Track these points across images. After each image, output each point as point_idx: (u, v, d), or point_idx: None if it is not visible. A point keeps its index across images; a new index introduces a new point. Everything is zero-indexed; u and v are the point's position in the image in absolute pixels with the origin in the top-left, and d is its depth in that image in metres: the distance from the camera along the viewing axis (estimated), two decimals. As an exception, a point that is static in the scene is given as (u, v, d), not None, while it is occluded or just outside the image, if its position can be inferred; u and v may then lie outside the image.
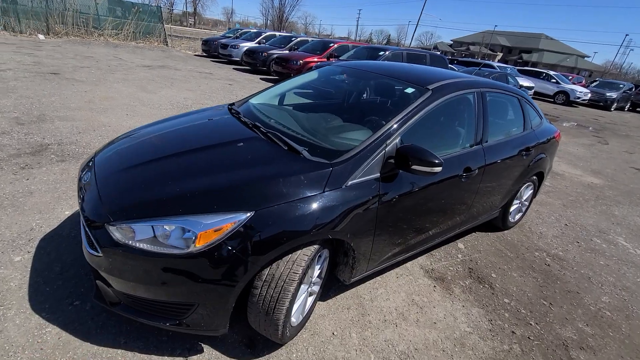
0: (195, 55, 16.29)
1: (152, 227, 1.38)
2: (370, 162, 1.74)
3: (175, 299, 1.42)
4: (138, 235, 1.38)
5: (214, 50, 15.34)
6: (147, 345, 1.64)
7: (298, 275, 1.49)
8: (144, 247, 1.35)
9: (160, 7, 19.08)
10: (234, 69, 13.02)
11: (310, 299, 1.90)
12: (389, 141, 1.80)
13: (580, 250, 3.21)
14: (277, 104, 2.76)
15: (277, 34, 15.67)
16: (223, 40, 15.04)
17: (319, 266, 1.82)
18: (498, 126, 2.69)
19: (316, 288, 1.92)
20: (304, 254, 1.53)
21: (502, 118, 2.83)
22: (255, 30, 16.57)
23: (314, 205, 1.53)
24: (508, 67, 18.16)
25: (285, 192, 1.51)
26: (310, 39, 13.69)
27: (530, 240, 3.23)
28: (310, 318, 1.93)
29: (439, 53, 11.21)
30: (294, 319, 1.72)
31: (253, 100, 2.67)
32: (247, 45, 13.69)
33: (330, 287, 2.19)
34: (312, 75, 2.91)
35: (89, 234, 1.45)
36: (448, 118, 2.34)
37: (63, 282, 1.92)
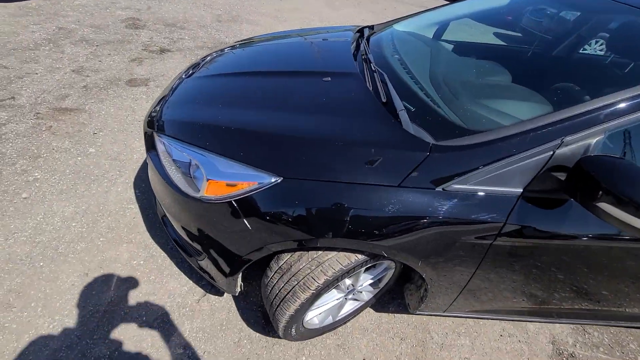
0: (402, -26, 14.80)
1: (187, 154, 1.16)
2: (510, 166, 0.95)
3: (187, 239, 1.25)
4: (174, 155, 1.20)
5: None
6: (183, 262, 1.64)
7: (317, 284, 1.05)
8: (169, 172, 1.18)
9: None
10: (436, -6, 11.21)
11: (352, 304, 1.45)
12: (569, 138, 0.93)
13: None
14: (430, 37, 1.97)
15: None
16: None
17: (371, 276, 1.30)
18: None
19: (366, 296, 1.44)
20: (337, 261, 1.05)
21: None
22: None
23: (374, 201, 0.96)
24: None
25: (339, 165, 1.00)
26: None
27: None
28: (348, 325, 1.51)
29: None
30: (317, 321, 1.35)
31: (398, 26, 1.97)
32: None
33: (394, 297, 1.65)
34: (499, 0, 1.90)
35: (144, 133, 1.39)
36: None
37: (164, 170, 2.12)
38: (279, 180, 0.99)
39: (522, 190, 0.97)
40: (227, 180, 1.03)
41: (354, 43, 1.72)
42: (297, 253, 1.09)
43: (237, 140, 1.10)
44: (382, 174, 0.98)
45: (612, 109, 0.92)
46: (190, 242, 1.25)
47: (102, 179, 1.97)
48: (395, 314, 1.59)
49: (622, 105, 0.93)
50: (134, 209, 1.85)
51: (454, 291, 1.19)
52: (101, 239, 1.65)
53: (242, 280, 1.25)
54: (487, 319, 1.48)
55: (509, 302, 1.29)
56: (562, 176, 0.94)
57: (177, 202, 1.16)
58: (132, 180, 2.01)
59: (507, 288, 1.20)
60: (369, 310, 1.59)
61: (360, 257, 1.06)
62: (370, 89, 1.28)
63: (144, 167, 2.11)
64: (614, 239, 1.04)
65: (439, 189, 0.97)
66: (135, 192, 1.94)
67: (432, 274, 1.11)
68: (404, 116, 1.10)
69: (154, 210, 1.85)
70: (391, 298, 1.65)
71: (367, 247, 1.01)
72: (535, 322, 1.66)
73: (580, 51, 1.57)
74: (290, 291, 1.09)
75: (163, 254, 1.66)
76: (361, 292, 1.40)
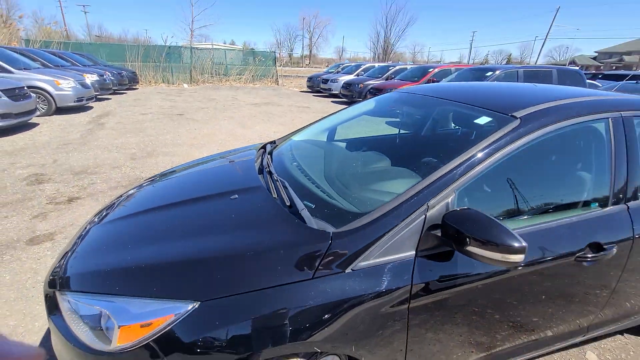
0: (300, 91, 17.55)
1: (97, 305, 1.09)
2: (398, 235, 1.12)
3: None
4: (82, 311, 1.11)
5: (316, 86, 16.24)
6: None
7: (257, 408, 0.98)
8: (74, 330, 1.07)
9: (275, 52, 21.75)
10: (332, 101, 13.38)
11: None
12: (433, 200, 1.16)
13: None
14: (324, 140, 2.35)
15: (376, 64, 15.61)
16: (324, 76, 15.80)
17: (318, 380, 1.25)
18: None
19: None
20: (273, 373, 1.01)
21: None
22: (354, 64, 16.97)
23: (294, 299, 1.01)
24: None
25: (254, 275, 1.05)
26: (409, 66, 13.10)
27: None
28: None
29: (572, 67, 9.08)
30: None
31: (296, 137, 2.32)
32: (345, 78, 13.99)
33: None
34: (368, 105, 2.42)
35: (44, 297, 1.27)
36: (554, 161, 1.49)
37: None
38: (196, 306, 0.99)
39: (415, 252, 1.13)
40: (141, 321, 0.98)
41: (259, 159, 1.96)
42: (233, 380, 1.02)
43: (147, 277, 1.09)
44: (296, 271, 1.05)
45: (450, 173, 1.20)
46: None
47: (-9, 364, 1.63)
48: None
49: (454, 171, 1.21)
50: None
51: (398, 366, 1.20)
52: None
53: None
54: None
55: (459, 357, 1.33)
56: (439, 233, 1.13)
57: (86, 363, 1.03)
58: (33, 354, 1.70)
59: (447, 344, 1.25)
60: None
61: (297, 361, 1.04)
62: (275, 196, 1.44)
63: (48, 335, 1.82)
64: (506, 273, 1.22)
65: (348, 270, 1.07)
66: None
67: (370, 356, 1.12)
68: (306, 214, 1.25)
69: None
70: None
71: (300, 348, 1.01)
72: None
73: (430, 132, 2.05)
74: None
75: None
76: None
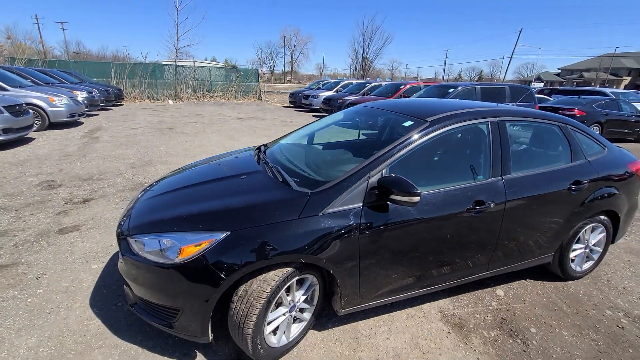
0: (283, 106, 18.38)
1: (158, 240, 1.72)
2: (351, 193, 1.81)
3: (167, 303, 1.69)
4: (147, 247, 1.73)
5: (298, 101, 17.11)
6: (155, 345, 1.93)
7: (266, 293, 1.62)
8: (147, 257, 1.69)
9: (257, 70, 22.65)
10: (313, 115, 14.24)
11: (298, 326, 1.96)
12: (372, 172, 1.86)
13: (686, 315, 2.43)
14: (305, 143, 3.04)
15: (354, 81, 16.70)
16: (306, 92, 16.73)
17: (302, 291, 1.89)
18: (528, 157, 2.42)
19: (307, 315, 1.97)
20: (275, 275, 1.66)
21: (535, 149, 2.52)
22: (333, 81, 18.02)
23: (287, 230, 1.68)
24: (631, 93, 15.38)
25: (262, 216, 1.71)
26: (383, 83, 14.19)
27: (604, 295, 2.61)
28: (300, 345, 1.97)
29: (521, 84, 10.28)
30: (274, 340, 1.81)
31: (283, 140, 3.01)
32: (325, 94, 14.92)
33: (330, 318, 2.19)
34: (338, 116, 3.15)
35: (118, 244, 1.88)
36: (452, 150, 2.24)
37: (117, 287, 2.42)
38: (228, 233, 1.63)
39: (362, 204, 1.82)
40: (194, 242, 1.62)
41: (256, 155, 2.63)
42: (249, 281, 1.66)
43: (195, 220, 1.73)
44: (290, 214, 1.72)
45: (383, 156, 1.92)
46: (166, 306, 1.69)
47: (58, 309, 2.18)
48: (333, 328, 2.12)
49: (385, 154, 1.93)
50: (97, 322, 2.09)
51: (354, 281, 1.86)
52: (72, 352, 1.85)
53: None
54: (393, 300, 2.11)
55: (399, 280, 2.00)
56: (377, 192, 1.83)
57: (156, 275, 1.65)
58: (88, 303, 2.26)
59: (386, 269, 1.93)
60: (313, 332, 2.08)
61: (289, 269, 1.69)
62: (272, 176, 2.11)
63: (97, 291, 2.38)
64: (421, 219, 1.92)
65: (320, 214, 1.75)
66: (94, 310, 2.19)
67: (337, 271, 1.79)
68: (293, 184, 1.93)
69: (119, 317, 2.12)
70: (327, 319, 2.18)
71: (291, 258, 1.67)
72: (427, 302, 2.37)
73: (377, 134, 2.80)
74: (250, 306, 1.61)
75: (134, 346, 1.92)
76: (302, 311, 1.94)
